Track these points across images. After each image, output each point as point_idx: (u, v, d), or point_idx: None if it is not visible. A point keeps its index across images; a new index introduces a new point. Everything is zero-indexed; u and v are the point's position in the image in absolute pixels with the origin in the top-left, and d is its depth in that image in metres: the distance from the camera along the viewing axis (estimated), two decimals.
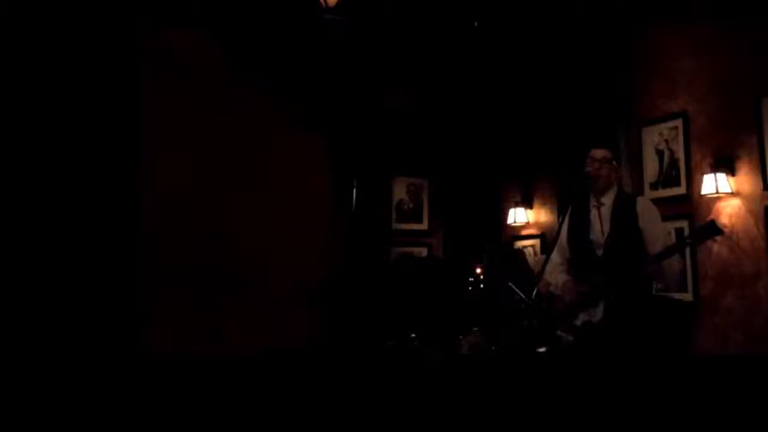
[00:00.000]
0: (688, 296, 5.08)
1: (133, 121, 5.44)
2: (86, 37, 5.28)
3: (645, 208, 3.80)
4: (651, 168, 5.51)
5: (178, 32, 5.71)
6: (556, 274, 3.94)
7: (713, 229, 3.56)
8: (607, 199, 3.81)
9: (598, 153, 3.82)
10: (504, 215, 6.94)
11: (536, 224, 6.73)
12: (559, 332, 3.78)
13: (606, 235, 3.74)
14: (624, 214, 3.74)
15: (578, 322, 3.71)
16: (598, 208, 3.80)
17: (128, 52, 5.46)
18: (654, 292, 4.01)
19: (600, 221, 3.78)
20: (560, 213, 6.03)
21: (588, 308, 3.69)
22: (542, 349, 4.39)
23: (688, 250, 5.01)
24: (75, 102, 5.23)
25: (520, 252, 6.61)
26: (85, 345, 4.90)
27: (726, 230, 4.90)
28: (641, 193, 5.39)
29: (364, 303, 5.86)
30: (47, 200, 5.05)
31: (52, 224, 5.04)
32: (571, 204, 4.00)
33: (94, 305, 5.04)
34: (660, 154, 5.47)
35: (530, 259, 6.50)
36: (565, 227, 3.99)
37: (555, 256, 4.00)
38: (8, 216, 4.88)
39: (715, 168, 4.97)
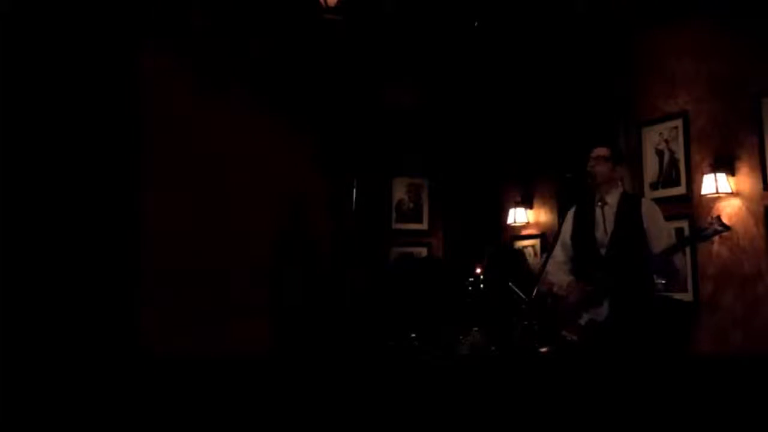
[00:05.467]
0: (688, 296, 5.07)
1: (133, 123, 5.47)
2: (87, 41, 5.29)
3: (649, 208, 3.78)
4: (651, 168, 5.51)
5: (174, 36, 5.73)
6: (560, 274, 3.92)
7: (719, 225, 3.55)
8: (611, 199, 3.81)
9: (596, 151, 3.85)
10: (504, 215, 6.94)
11: (536, 224, 6.73)
12: (563, 332, 3.77)
13: (610, 234, 3.74)
14: (628, 214, 3.74)
15: (582, 322, 3.70)
16: (602, 207, 3.80)
17: (128, 58, 5.48)
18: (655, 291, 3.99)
19: (604, 220, 3.78)
20: (560, 213, 6.03)
21: (592, 307, 3.68)
22: (544, 349, 4.39)
23: (688, 250, 5.01)
24: (77, 104, 5.24)
25: (520, 252, 6.61)
26: (85, 344, 4.91)
27: None
28: (641, 193, 5.40)
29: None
30: (51, 201, 5.07)
31: (56, 224, 5.05)
32: (575, 202, 3.99)
33: (95, 304, 5.06)
34: (660, 154, 5.47)
35: (530, 259, 6.50)
36: (568, 225, 3.97)
37: (558, 254, 3.98)
38: (13, 217, 4.89)
39: (715, 168, 4.97)
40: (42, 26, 5.15)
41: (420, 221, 7.09)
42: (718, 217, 3.62)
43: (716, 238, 4.93)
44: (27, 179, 5.02)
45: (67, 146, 5.18)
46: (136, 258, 5.32)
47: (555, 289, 3.91)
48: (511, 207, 6.82)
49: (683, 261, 3.83)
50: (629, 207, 3.77)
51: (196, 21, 5.76)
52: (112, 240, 5.25)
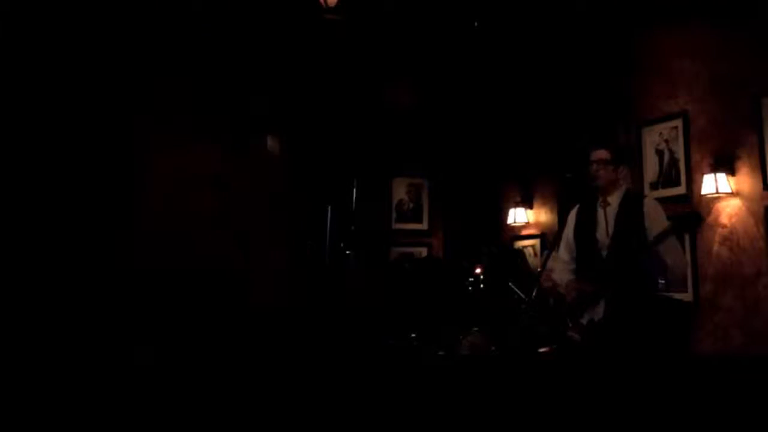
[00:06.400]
0: (688, 296, 5.07)
1: (128, 126, 5.51)
2: (84, 45, 5.32)
3: (652, 208, 3.74)
4: (651, 168, 5.51)
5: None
6: (564, 274, 3.90)
7: (694, 218, 3.60)
8: (614, 199, 3.79)
9: (596, 154, 3.80)
10: (504, 215, 6.94)
11: (536, 224, 6.73)
12: (569, 333, 3.76)
13: (610, 235, 3.73)
14: (629, 215, 3.71)
15: (584, 321, 3.70)
16: (604, 208, 3.79)
17: (123, 60, 5.51)
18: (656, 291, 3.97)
19: (606, 221, 3.76)
20: (560, 213, 6.03)
21: (591, 306, 3.68)
22: (544, 349, 4.39)
23: (688, 251, 5.01)
24: (74, 105, 5.26)
25: (520, 252, 6.61)
26: (81, 344, 4.92)
27: (726, 230, 4.91)
28: (644, 194, 5.39)
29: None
30: (47, 201, 5.08)
31: (52, 225, 5.06)
32: (578, 202, 3.98)
33: (90, 303, 5.07)
34: (660, 154, 5.47)
35: (530, 259, 6.50)
36: (571, 225, 3.96)
37: (563, 254, 3.96)
38: (10, 216, 4.90)
39: (715, 168, 4.97)
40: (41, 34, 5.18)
41: (420, 221, 7.09)
42: (691, 212, 3.64)
43: (716, 238, 4.96)
44: (25, 180, 5.03)
45: (67, 144, 5.21)
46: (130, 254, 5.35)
47: (560, 290, 3.90)
48: (511, 207, 6.82)
49: (679, 258, 3.75)
50: (631, 207, 3.75)
51: (195, 18, 5.77)
52: (106, 240, 5.29)
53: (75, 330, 4.96)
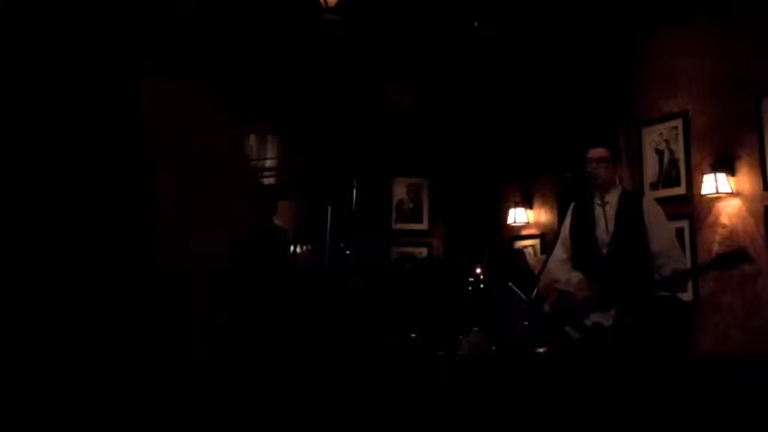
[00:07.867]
0: (688, 296, 5.07)
1: (137, 122, 5.48)
2: (90, 42, 5.30)
3: (650, 207, 3.75)
4: (651, 168, 5.51)
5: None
6: (565, 271, 3.89)
7: (743, 257, 3.48)
8: (612, 198, 3.79)
9: (596, 152, 3.81)
10: (504, 215, 6.94)
11: (536, 224, 6.73)
12: (568, 329, 3.74)
13: (610, 233, 3.73)
14: (629, 213, 3.72)
15: (588, 323, 3.68)
16: (603, 207, 3.79)
17: (129, 52, 5.48)
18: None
19: (605, 220, 3.76)
20: (560, 213, 6.03)
21: (600, 310, 3.65)
22: (541, 350, 4.39)
23: (687, 249, 5.01)
24: (80, 102, 5.24)
25: (520, 252, 6.61)
26: (92, 344, 4.91)
27: (726, 230, 4.91)
28: (641, 193, 5.39)
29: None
30: (57, 200, 5.07)
31: (62, 224, 5.05)
32: (574, 202, 3.98)
33: (104, 304, 5.06)
34: (660, 154, 5.47)
35: (530, 259, 6.50)
36: (568, 223, 3.97)
37: (559, 252, 3.96)
38: (19, 216, 4.89)
39: (715, 168, 4.97)
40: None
41: (420, 221, 7.10)
42: (743, 250, 3.57)
43: (716, 238, 4.96)
44: (33, 178, 5.02)
45: (76, 142, 5.19)
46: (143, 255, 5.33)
47: (562, 285, 3.88)
48: (511, 207, 6.82)
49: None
50: (630, 206, 3.75)
51: (195, 20, 5.76)
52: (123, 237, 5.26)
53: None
